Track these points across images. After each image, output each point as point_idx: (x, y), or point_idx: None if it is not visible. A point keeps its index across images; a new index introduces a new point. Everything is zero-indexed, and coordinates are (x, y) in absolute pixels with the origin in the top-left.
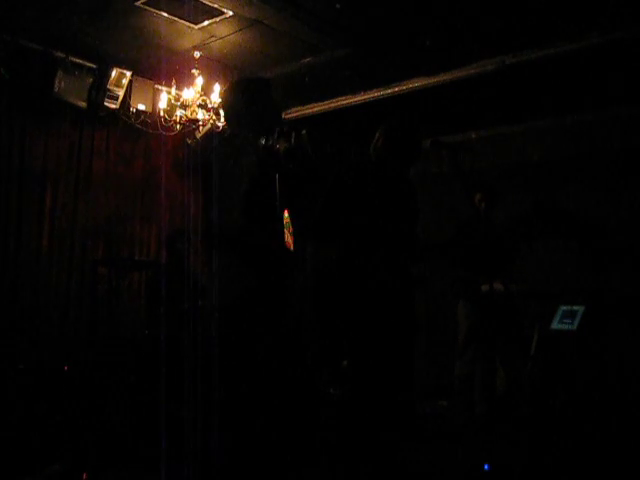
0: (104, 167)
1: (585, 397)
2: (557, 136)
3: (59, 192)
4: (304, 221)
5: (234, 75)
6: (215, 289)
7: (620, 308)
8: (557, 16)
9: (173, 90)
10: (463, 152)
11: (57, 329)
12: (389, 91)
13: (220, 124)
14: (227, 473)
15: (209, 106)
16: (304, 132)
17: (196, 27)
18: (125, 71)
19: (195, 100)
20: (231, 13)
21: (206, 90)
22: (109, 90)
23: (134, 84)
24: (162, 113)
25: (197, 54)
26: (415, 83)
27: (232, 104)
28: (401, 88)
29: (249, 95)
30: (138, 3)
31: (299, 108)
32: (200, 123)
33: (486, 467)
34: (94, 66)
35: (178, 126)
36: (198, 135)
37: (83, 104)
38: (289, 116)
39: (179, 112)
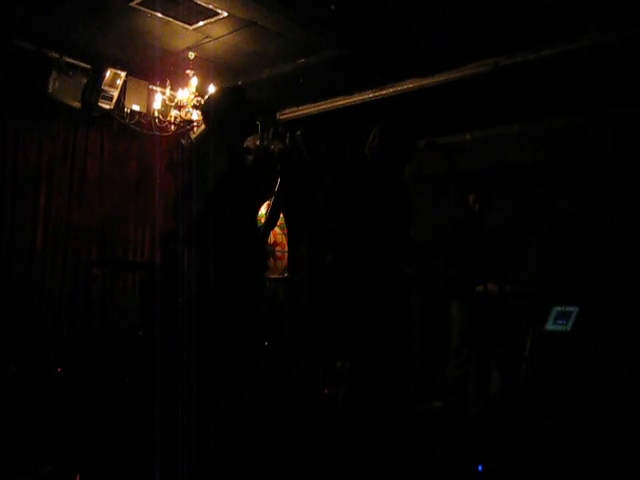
0: (98, 168)
1: (579, 398)
2: (551, 137)
3: (53, 193)
4: (300, 222)
5: (229, 76)
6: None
7: (614, 309)
8: (551, 17)
9: (167, 91)
10: (457, 153)
11: (50, 330)
12: (383, 92)
13: None
14: (222, 474)
15: None
16: (298, 133)
17: (191, 28)
18: (119, 71)
19: (190, 101)
20: (226, 14)
21: (201, 91)
22: (103, 90)
23: (128, 84)
24: (156, 114)
25: (192, 55)
26: (409, 84)
27: (222, 109)
28: (395, 89)
29: (239, 101)
30: (133, 3)
31: (293, 109)
32: (195, 124)
33: (480, 468)
34: (88, 66)
35: (172, 127)
36: (193, 136)
37: (77, 104)
38: (283, 117)
39: (173, 113)
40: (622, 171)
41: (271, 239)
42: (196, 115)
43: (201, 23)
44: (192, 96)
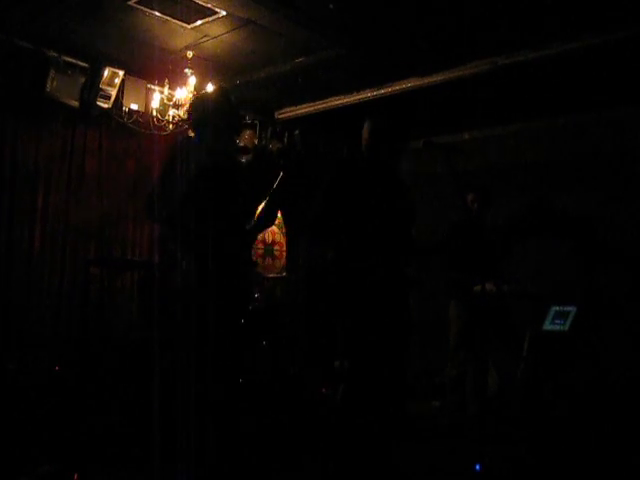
0: (96, 167)
1: (577, 397)
2: (550, 137)
3: (51, 192)
4: (299, 221)
5: (227, 75)
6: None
7: (612, 309)
8: (550, 17)
9: (166, 90)
10: (456, 153)
11: (49, 329)
12: (382, 91)
13: None
14: (219, 473)
15: None
16: (297, 132)
17: (189, 27)
18: (118, 70)
19: (188, 100)
20: (224, 13)
21: (199, 90)
22: (101, 89)
23: (127, 83)
24: (155, 113)
25: (190, 54)
26: (408, 84)
27: (207, 111)
28: (394, 88)
29: (224, 103)
30: (131, 2)
31: (292, 108)
32: None
33: (477, 467)
34: (86, 65)
35: (171, 126)
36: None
37: (75, 103)
38: (282, 116)
39: (172, 112)
40: (621, 171)
41: (269, 238)
42: None
43: (199, 22)
44: (190, 95)
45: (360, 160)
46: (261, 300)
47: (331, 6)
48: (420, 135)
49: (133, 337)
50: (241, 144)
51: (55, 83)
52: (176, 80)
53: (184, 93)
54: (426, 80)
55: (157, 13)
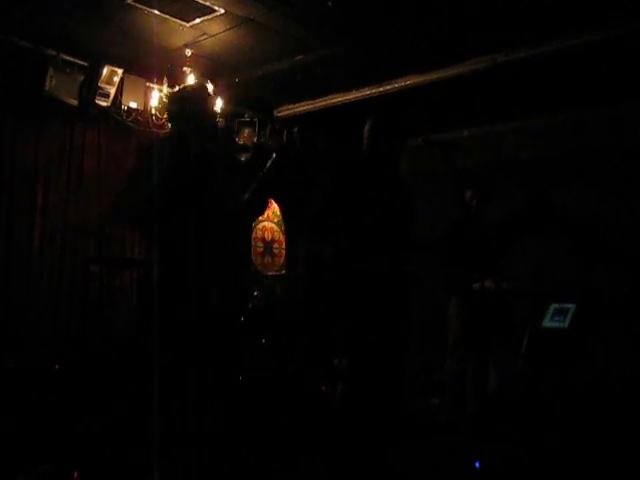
0: (95, 165)
1: (576, 395)
2: (549, 134)
3: (50, 190)
4: (298, 218)
5: (226, 73)
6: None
7: (611, 306)
8: (549, 14)
9: (165, 88)
10: (455, 150)
11: (48, 327)
12: (381, 89)
13: None
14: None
15: None
16: (296, 130)
17: (187, 25)
18: (116, 69)
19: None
20: (222, 11)
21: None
22: (100, 88)
23: (125, 82)
24: (154, 111)
25: (188, 52)
26: (407, 81)
27: (186, 106)
28: (393, 86)
29: (203, 98)
30: (129, 1)
31: (290, 106)
32: None
33: (477, 465)
34: (85, 64)
35: (170, 124)
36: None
37: (74, 102)
38: (281, 114)
39: None
40: (621, 168)
41: (269, 236)
42: None
43: (198, 20)
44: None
45: (361, 158)
46: (260, 298)
47: (329, 3)
48: (419, 132)
49: (133, 334)
50: (240, 142)
51: (54, 82)
52: (175, 78)
53: None
54: (425, 77)
55: (156, 11)
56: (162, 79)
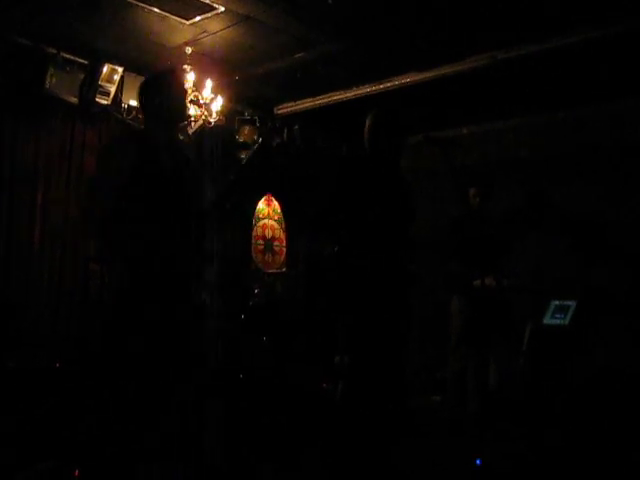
0: (96, 164)
1: (577, 392)
2: (549, 131)
3: (50, 189)
4: (298, 216)
5: (226, 71)
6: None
7: (612, 303)
8: (549, 11)
9: None
10: (455, 148)
11: (48, 327)
12: (381, 87)
13: (212, 120)
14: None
15: (201, 102)
16: (296, 128)
17: (187, 23)
18: (116, 67)
19: (187, 96)
20: (222, 9)
21: (198, 86)
22: (101, 86)
23: (126, 80)
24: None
25: (189, 50)
26: (407, 79)
27: (151, 96)
28: (393, 84)
29: (168, 87)
30: None
31: (291, 104)
32: (192, 119)
33: (478, 462)
34: (85, 62)
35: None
36: (190, 131)
37: (74, 100)
38: (281, 112)
39: None
40: (621, 166)
41: (269, 234)
42: (193, 110)
43: (198, 18)
44: (189, 91)
45: (362, 155)
46: (261, 296)
47: (330, 1)
48: (419, 130)
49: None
50: (240, 140)
51: (54, 80)
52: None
53: None
54: (425, 75)
55: (156, 9)
56: None
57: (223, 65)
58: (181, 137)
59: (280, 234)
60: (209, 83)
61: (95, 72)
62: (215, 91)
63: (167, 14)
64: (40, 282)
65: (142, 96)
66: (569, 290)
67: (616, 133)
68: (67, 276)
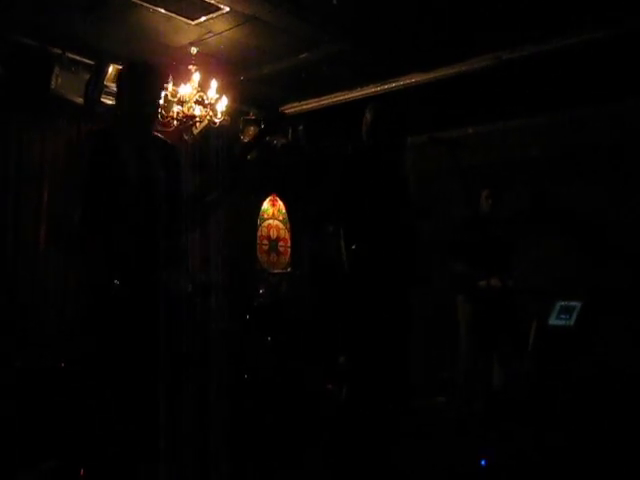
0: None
1: (582, 393)
2: (554, 132)
3: (56, 189)
4: (303, 216)
5: (231, 71)
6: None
7: (617, 304)
8: (553, 11)
9: (170, 86)
10: (461, 148)
11: (54, 328)
12: (386, 87)
13: (217, 120)
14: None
15: (206, 102)
16: (301, 128)
17: (193, 23)
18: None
19: (192, 96)
20: (228, 9)
21: (203, 86)
22: (106, 86)
23: None
24: (159, 109)
25: (194, 50)
26: (412, 79)
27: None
28: (398, 84)
29: (155, 81)
30: None
31: (296, 104)
32: (197, 119)
33: (483, 462)
34: (91, 62)
35: (175, 122)
36: (195, 131)
37: (80, 100)
38: (286, 112)
39: (176, 108)
40: (621, 165)
41: (274, 234)
42: (199, 110)
43: (203, 18)
44: (194, 92)
45: (363, 152)
46: (266, 296)
47: (334, 1)
48: (424, 130)
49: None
50: (245, 140)
51: (60, 80)
52: (180, 76)
53: (188, 90)
54: (430, 75)
55: (161, 10)
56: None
57: (228, 65)
58: (186, 137)
59: (285, 234)
60: (214, 83)
61: (100, 72)
62: (220, 91)
63: (172, 14)
64: (46, 282)
65: (117, 88)
66: (574, 291)
67: (616, 133)
68: (72, 276)
